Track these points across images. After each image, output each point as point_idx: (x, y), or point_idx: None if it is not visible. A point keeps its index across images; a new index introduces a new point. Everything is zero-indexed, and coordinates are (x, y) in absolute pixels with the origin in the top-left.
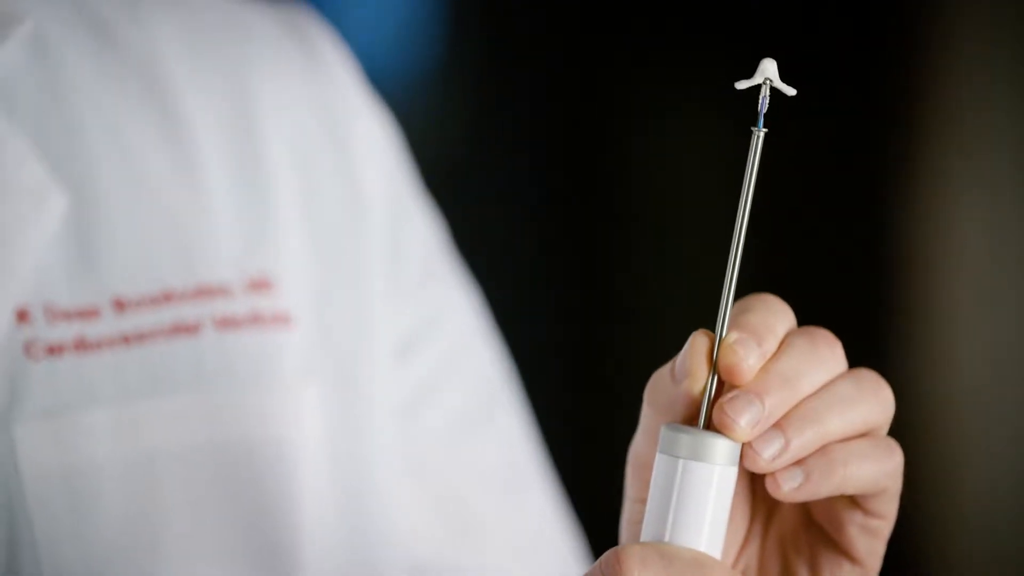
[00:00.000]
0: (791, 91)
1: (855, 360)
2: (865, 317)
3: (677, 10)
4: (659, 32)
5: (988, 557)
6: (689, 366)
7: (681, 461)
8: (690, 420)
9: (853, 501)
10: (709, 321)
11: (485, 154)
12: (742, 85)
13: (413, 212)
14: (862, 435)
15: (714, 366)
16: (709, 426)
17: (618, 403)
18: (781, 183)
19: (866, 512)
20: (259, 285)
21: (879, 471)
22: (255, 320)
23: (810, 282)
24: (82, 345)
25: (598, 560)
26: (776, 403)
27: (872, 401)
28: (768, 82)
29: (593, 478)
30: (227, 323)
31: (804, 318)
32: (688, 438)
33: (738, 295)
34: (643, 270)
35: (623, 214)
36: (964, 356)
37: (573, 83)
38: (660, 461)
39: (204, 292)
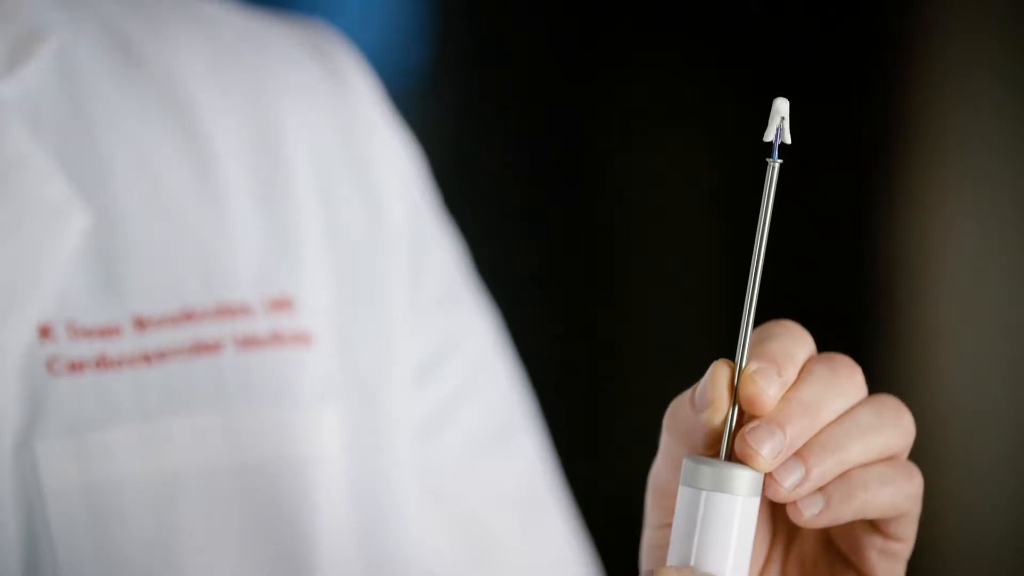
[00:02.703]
0: (787, 139)
1: None
2: (851, 325)
3: (668, 12)
4: (650, 34)
5: (977, 563)
6: (710, 397)
7: (704, 493)
8: (711, 448)
9: (873, 525)
10: (701, 326)
11: (472, 158)
12: (769, 136)
13: (434, 232)
14: (882, 460)
15: (735, 396)
16: (731, 456)
17: (613, 409)
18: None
19: (886, 536)
20: (280, 304)
21: (899, 495)
22: (275, 339)
23: (796, 286)
24: (103, 362)
25: None
26: (797, 432)
27: (893, 428)
28: (783, 120)
29: (588, 491)
30: (247, 342)
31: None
32: (710, 470)
33: (724, 300)
34: (631, 274)
35: (612, 218)
36: (952, 363)
37: (561, 87)
38: (683, 493)
39: (225, 311)
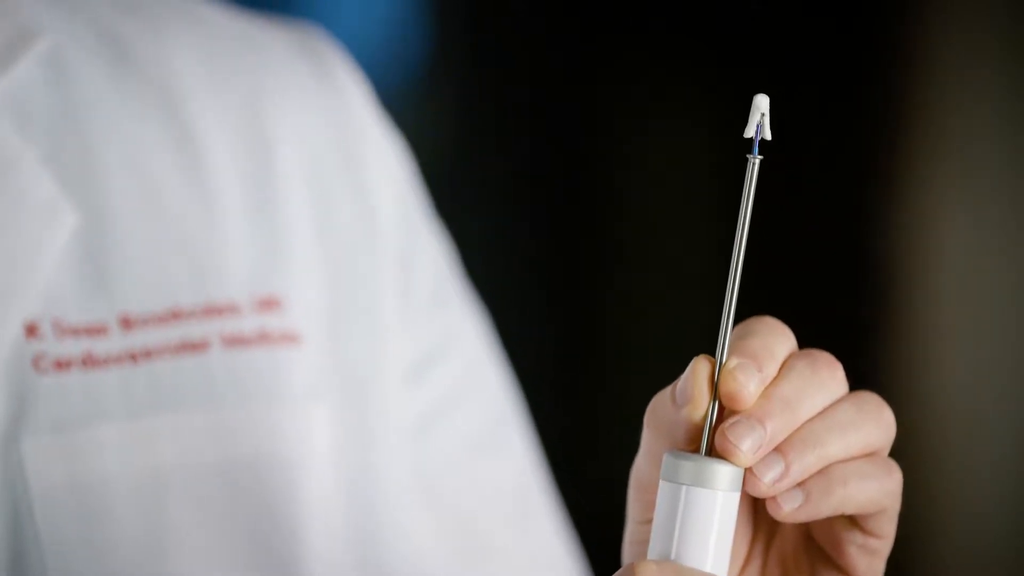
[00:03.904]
0: (767, 135)
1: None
2: (849, 323)
3: (665, 11)
4: (648, 32)
5: (977, 558)
6: (690, 393)
7: (684, 488)
8: (691, 443)
9: (852, 521)
10: (702, 323)
11: (471, 153)
12: (749, 132)
13: (424, 235)
14: (863, 456)
15: (715, 392)
16: (711, 452)
17: (609, 401)
18: (763, 183)
19: (865, 532)
20: (268, 304)
21: (878, 491)
22: (263, 338)
23: (794, 283)
24: (89, 361)
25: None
26: (777, 428)
27: (873, 424)
28: (763, 117)
29: (583, 490)
30: (235, 341)
31: (788, 324)
32: (690, 465)
33: (720, 299)
34: (630, 274)
35: (610, 218)
36: (952, 362)
37: (559, 86)
38: (663, 488)
39: (212, 310)
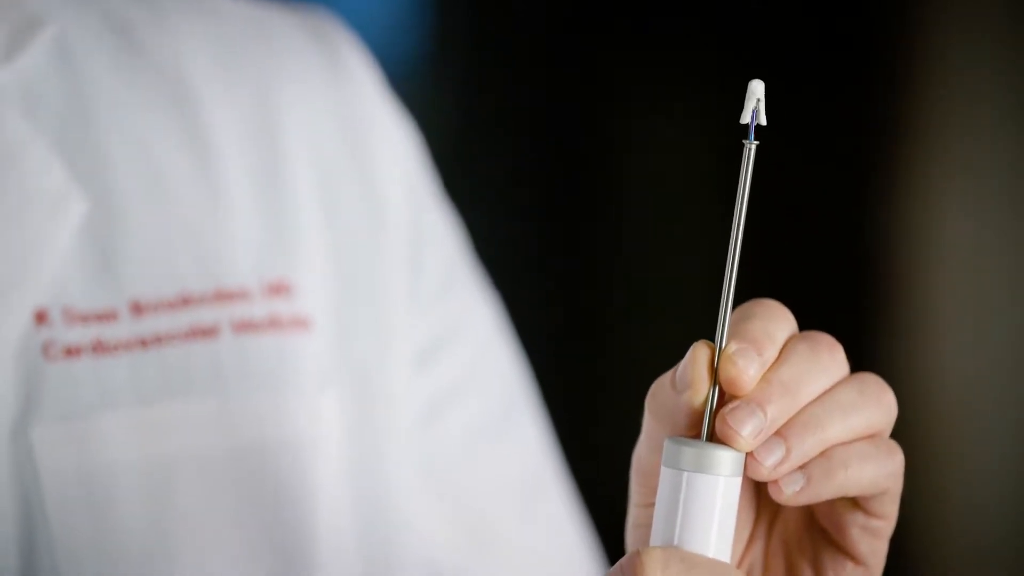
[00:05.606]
0: (763, 120)
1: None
2: (851, 315)
3: (666, 11)
4: (650, 26)
5: (977, 557)
6: (690, 378)
7: (685, 474)
8: (692, 429)
9: (855, 503)
10: (702, 316)
11: (472, 148)
12: (745, 118)
13: (434, 220)
14: (864, 438)
15: (715, 377)
16: (712, 437)
17: (612, 400)
18: (765, 182)
19: (868, 513)
20: (278, 289)
21: (880, 472)
22: (273, 324)
23: (795, 280)
24: (99, 347)
25: (618, 562)
26: (777, 412)
27: (874, 407)
28: (759, 102)
29: (586, 475)
30: (245, 326)
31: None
32: (691, 451)
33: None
34: (632, 264)
35: (612, 210)
36: (950, 355)
37: (561, 76)
38: (665, 474)
39: (222, 296)
